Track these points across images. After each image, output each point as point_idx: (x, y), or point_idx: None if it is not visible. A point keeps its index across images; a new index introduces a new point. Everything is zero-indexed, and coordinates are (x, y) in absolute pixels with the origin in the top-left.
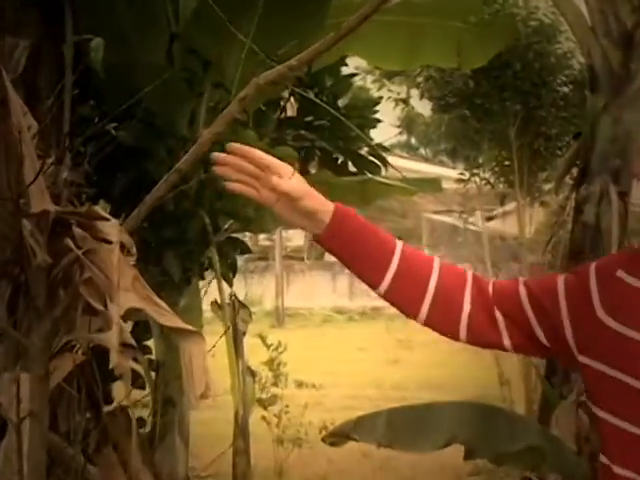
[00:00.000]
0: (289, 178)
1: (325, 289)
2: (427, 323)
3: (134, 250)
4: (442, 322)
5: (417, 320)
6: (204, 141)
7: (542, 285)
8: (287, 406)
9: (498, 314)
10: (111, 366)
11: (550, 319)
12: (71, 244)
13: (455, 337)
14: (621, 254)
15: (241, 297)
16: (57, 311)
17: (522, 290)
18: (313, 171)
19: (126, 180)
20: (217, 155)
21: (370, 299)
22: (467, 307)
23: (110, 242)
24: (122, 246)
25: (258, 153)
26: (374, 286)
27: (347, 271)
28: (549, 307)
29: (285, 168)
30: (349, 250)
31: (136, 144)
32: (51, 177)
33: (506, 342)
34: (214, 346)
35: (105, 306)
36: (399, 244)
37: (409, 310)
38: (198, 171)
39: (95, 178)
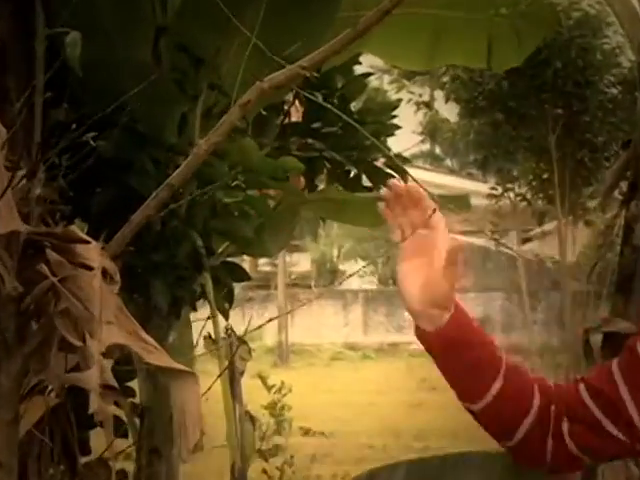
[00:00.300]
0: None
1: (335, 322)
2: (514, 451)
3: (118, 277)
4: (531, 450)
5: (505, 446)
6: (200, 152)
7: (599, 374)
8: (292, 457)
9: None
10: (91, 411)
11: (612, 404)
12: (45, 270)
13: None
14: None
15: (238, 331)
16: (28, 347)
17: (581, 387)
18: (321, 186)
19: (107, 197)
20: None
21: (388, 333)
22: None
23: (90, 268)
24: (104, 272)
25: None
26: (473, 399)
27: (360, 300)
28: (608, 392)
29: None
30: (457, 359)
31: (118, 155)
32: (21, 193)
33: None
34: (209, 389)
35: (84, 341)
36: (504, 358)
37: (503, 434)
38: (189, 186)
39: (71, 194)
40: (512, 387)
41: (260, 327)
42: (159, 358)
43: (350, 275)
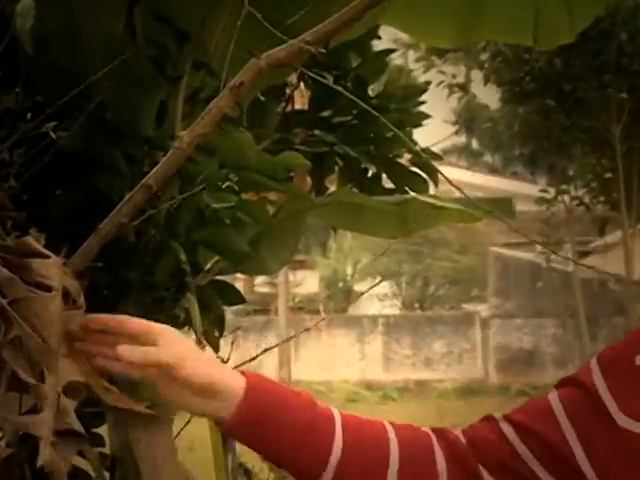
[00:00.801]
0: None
1: (350, 354)
2: None
3: (82, 300)
4: None
5: None
6: (182, 147)
7: (529, 411)
8: None
9: (482, 469)
10: (39, 463)
11: (552, 450)
12: None
13: None
14: (633, 335)
15: (231, 365)
16: None
17: (505, 427)
18: (332, 188)
19: (69, 201)
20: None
21: (413, 369)
22: (444, 473)
23: (49, 288)
24: (65, 294)
25: (118, 320)
26: (314, 477)
27: (380, 328)
28: (548, 435)
29: (168, 334)
30: (271, 435)
31: (83, 150)
32: None
33: None
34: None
35: (40, 378)
36: (336, 412)
37: None
38: (170, 188)
39: (25, 197)
40: (357, 443)
41: (255, 359)
42: (123, 400)
43: (362, 293)
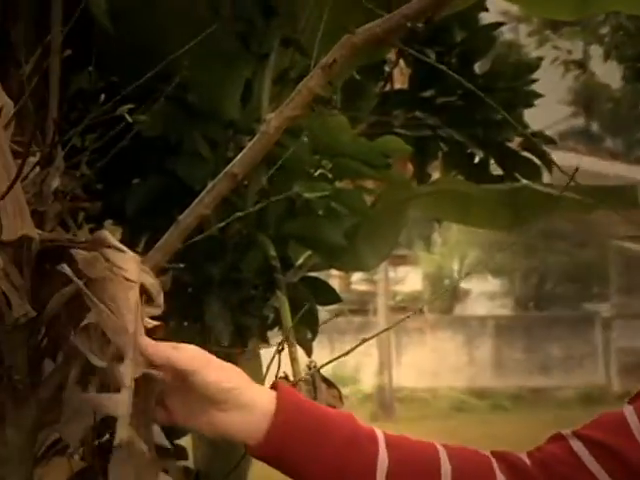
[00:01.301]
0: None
1: (457, 359)
2: None
3: (161, 299)
4: None
5: None
6: (270, 131)
7: (602, 425)
8: None
9: None
10: (116, 442)
11: (626, 464)
12: (68, 271)
13: None
14: None
15: (326, 371)
16: (45, 391)
17: (575, 444)
18: (435, 175)
19: (147, 190)
20: None
21: (528, 375)
22: None
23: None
24: (142, 291)
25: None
26: None
27: (491, 331)
28: (622, 448)
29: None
30: (312, 452)
31: (163, 134)
32: (33, 186)
33: None
34: None
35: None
36: (378, 431)
37: None
38: (258, 176)
39: (99, 187)
40: (404, 462)
41: (347, 354)
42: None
43: (470, 292)
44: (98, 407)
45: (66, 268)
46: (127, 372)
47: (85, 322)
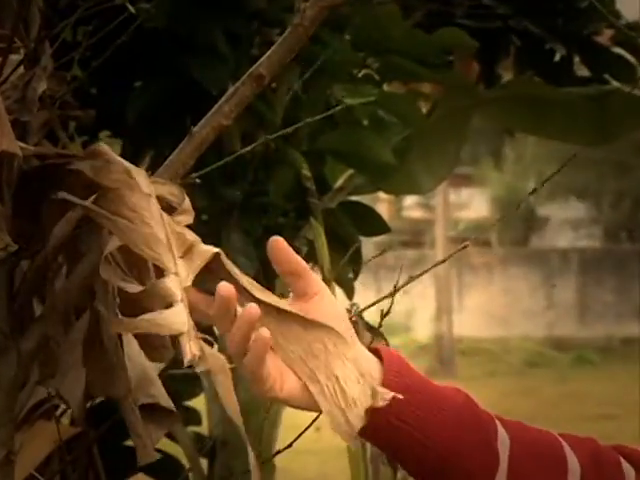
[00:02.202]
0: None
1: (533, 302)
2: None
3: (187, 204)
4: None
5: None
6: (304, 23)
7: None
8: None
9: None
10: (187, 362)
11: None
12: (69, 196)
13: None
14: None
15: (370, 316)
16: (29, 341)
17: None
18: (506, 77)
19: (152, 95)
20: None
21: (620, 321)
22: None
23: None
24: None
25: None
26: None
27: (574, 267)
28: None
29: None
30: (431, 422)
31: (171, 27)
32: (15, 91)
33: None
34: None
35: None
36: (492, 416)
37: None
38: (289, 78)
39: (94, 92)
40: (526, 448)
41: (393, 294)
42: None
43: (549, 220)
44: (154, 328)
45: (66, 194)
46: (175, 285)
47: (108, 250)
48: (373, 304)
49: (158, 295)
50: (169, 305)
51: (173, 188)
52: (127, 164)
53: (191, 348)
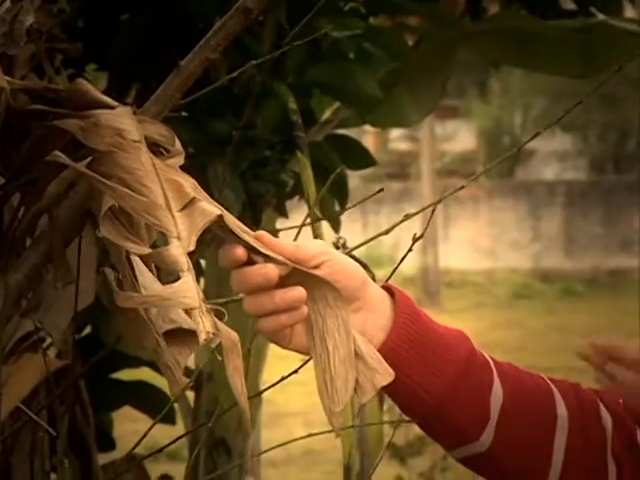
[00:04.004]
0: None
1: (519, 234)
2: None
3: (178, 145)
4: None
5: None
6: None
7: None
8: (445, 457)
9: None
10: (200, 340)
11: None
12: (61, 157)
13: None
14: None
15: (357, 250)
16: (17, 273)
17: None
18: (493, 10)
19: (139, 28)
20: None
21: (607, 253)
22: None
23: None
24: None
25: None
26: (466, 441)
27: (560, 199)
28: None
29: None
30: (430, 366)
31: None
32: (4, 24)
33: None
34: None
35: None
36: (488, 357)
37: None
38: (276, 12)
39: (80, 24)
40: (520, 399)
41: (387, 232)
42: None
43: (534, 152)
44: (164, 303)
45: (61, 156)
46: (179, 252)
47: (105, 208)
48: (363, 244)
49: (163, 263)
50: (177, 273)
51: (162, 129)
52: (111, 104)
53: (205, 325)
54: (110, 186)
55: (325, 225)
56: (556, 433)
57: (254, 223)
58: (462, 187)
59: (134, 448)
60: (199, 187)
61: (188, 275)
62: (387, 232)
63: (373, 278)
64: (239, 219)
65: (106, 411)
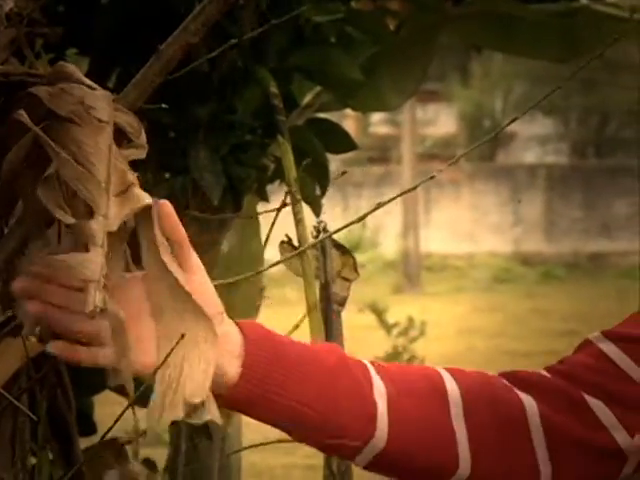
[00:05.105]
0: None
1: (500, 218)
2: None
3: (143, 138)
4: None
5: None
6: None
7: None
8: None
9: (588, 397)
10: (88, 308)
11: None
12: (24, 118)
13: None
14: None
15: (338, 234)
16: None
17: (606, 346)
18: None
19: (119, 12)
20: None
21: (587, 237)
22: (535, 416)
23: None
24: (118, 133)
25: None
26: (361, 443)
27: (542, 183)
28: None
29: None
30: (293, 388)
31: None
32: None
33: None
34: (297, 326)
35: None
36: (365, 361)
37: (440, 464)
38: None
39: (61, 8)
40: (408, 392)
41: (364, 218)
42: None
43: (515, 135)
44: (66, 270)
45: (23, 115)
46: (99, 228)
47: (48, 172)
48: (344, 228)
49: (81, 234)
50: (89, 245)
51: (133, 120)
52: (92, 85)
53: (95, 298)
54: (57, 152)
55: (306, 209)
56: (451, 411)
57: (235, 207)
58: (441, 170)
59: (109, 430)
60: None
61: (98, 250)
62: (360, 220)
63: (354, 262)
64: (221, 206)
65: (87, 395)
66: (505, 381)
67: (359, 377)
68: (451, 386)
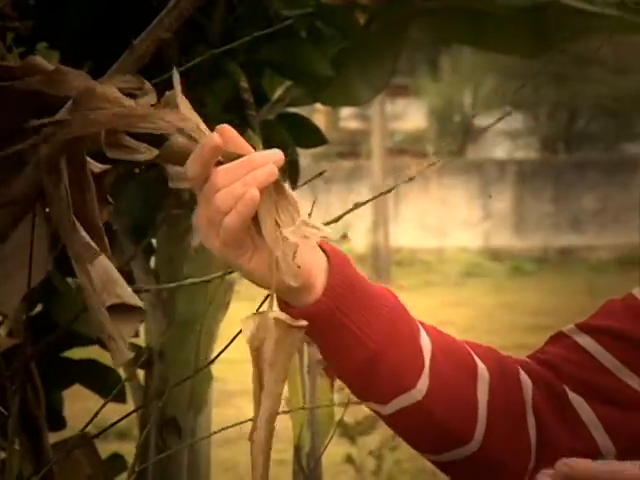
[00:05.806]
0: None
1: (470, 213)
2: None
3: (147, 84)
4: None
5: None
6: None
7: (610, 314)
8: (394, 437)
9: (568, 390)
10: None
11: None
12: None
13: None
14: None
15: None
16: None
17: (582, 339)
18: None
19: (90, 6)
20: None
21: (556, 231)
22: (529, 401)
23: None
24: None
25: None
26: (404, 389)
27: (511, 177)
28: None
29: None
30: (364, 318)
31: None
32: None
33: None
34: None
35: None
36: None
37: (458, 432)
38: None
39: (32, 2)
40: (449, 353)
41: (339, 219)
42: None
43: (486, 129)
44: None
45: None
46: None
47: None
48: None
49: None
50: None
51: (128, 77)
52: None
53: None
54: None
55: None
56: (478, 384)
57: None
58: (418, 168)
59: (86, 427)
60: None
61: None
62: (336, 220)
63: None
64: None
65: (57, 390)
66: (517, 366)
67: (412, 325)
68: (479, 360)
